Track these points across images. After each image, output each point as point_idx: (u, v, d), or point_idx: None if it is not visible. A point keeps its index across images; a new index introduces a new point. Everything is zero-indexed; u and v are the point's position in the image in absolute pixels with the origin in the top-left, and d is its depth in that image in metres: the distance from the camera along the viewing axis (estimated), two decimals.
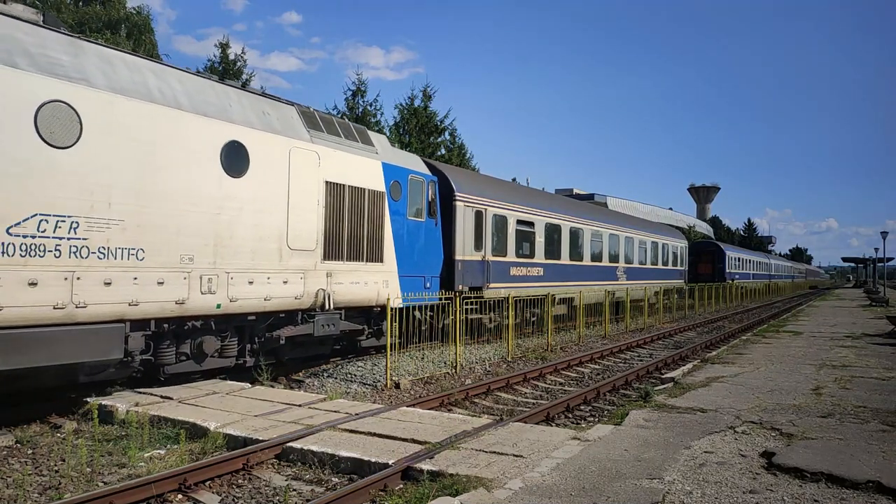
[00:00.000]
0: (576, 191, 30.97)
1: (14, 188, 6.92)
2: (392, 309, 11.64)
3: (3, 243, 6.82)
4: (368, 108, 28.83)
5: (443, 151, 30.72)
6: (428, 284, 13.78)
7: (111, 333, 7.81)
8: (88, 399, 7.92)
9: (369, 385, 10.68)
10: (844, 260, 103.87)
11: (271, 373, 10.22)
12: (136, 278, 8.04)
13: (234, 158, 9.39)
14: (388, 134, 26.17)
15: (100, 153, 7.72)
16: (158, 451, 6.52)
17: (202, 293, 8.86)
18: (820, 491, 5.05)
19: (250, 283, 9.59)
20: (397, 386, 10.70)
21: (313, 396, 8.87)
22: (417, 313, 13.36)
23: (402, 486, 5.48)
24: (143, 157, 8.21)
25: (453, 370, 12.28)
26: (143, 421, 7.01)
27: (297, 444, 6.35)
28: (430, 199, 13.91)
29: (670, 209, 60.14)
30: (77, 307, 7.42)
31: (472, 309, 15.09)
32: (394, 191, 12.69)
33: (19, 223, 6.98)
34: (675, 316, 28.24)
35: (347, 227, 11.47)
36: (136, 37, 25.66)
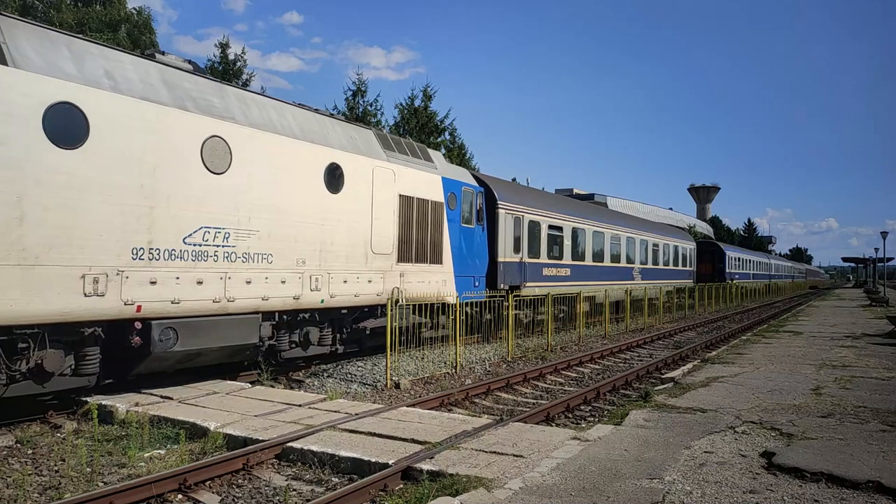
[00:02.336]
0: (576, 191, 30.96)
1: (188, 207, 8.70)
2: (450, 305, 13.50)
3: (181, 251, 8.58)
4: (369, 108, 28.84)
5: (443, 151, 30.73)
6: (476, 283, 15.57)
7: (251, 322, 9.61)
8: (88, 399, 7.93)
9: (369, 385, 10.68)
10: (844, 260, 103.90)
11: (271, 373, 10.23)
12: (267, 278, 9.81)
13: (334, 178, 11.18)
14: (388, 133, 26.17)
15: (244, 177, 9.52)
16: (158, 451, 6.52)
17: (311, 290, 10.61)
18: (820, 491, 5.05)
19: (345, 281, 11.35)
20: (397, 386, 10.70)
21: (313, 396, 8.87)
22: (468, 309, 15.00)
23: (402, 486, 5.48)
24: (273, 179, 9.99)
25: (453, 370, 12.28)
26: (143, 421, 7.01)
27: (297, 444, 6.35)
28: (478, 207, 15.78)
29: (670, 209, 60.13)
30: (228, 301, 9.20)
31: (510, 305, 16.36)
32: (450, 201, 14.54)
33: (191, 234, 8.75)
34: (675, 316, 28.25)
35: (415, 233, 13.27)
36: (135, 37, 25.64)
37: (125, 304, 7.95)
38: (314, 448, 6.21)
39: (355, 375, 11.20)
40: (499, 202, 16.98)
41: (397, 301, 12.17)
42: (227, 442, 6.64)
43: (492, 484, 5.07)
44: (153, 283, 8.25)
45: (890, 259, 63.75)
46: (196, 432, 6.94)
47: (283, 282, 10.08)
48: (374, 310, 12.16)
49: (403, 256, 12.89)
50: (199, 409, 7.81)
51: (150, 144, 8.29)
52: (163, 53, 9.47)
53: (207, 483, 5.71)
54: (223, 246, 9.15)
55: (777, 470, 5.50)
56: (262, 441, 6.44)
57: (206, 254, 8.91)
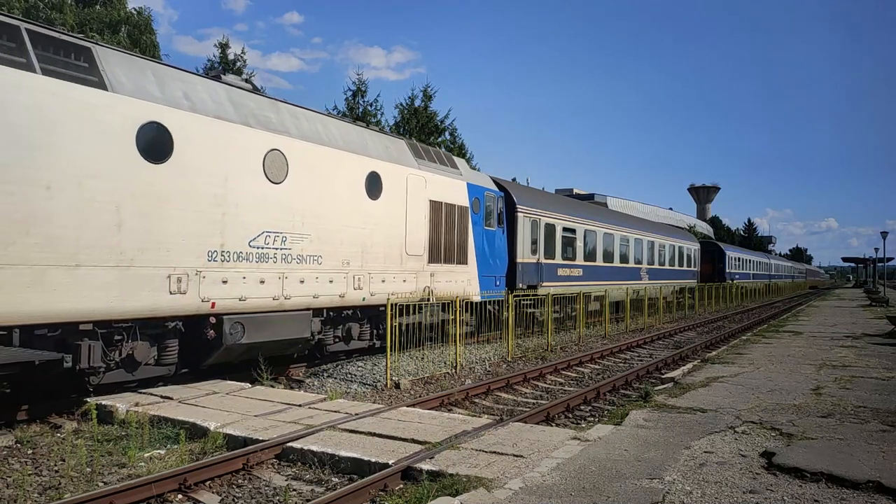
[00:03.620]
0: (576, 191, 30.94)
1: (253, 213, 9.65)
2: (473, 302, 14.51)
3: (247, 253, 9.52)
4: (369, 108, 28.84)
5: (443, 151, 30.71)
6: (497, 283, 16.45)
7: (303, 318, 10.50)
8: (88, 399, 7.93)
9: (369, 385, 10.68)
10: (844, 260, 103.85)
11: (271, 373, 10.24)
12: (317, 277, 10.73)
13: (373, 185, 12.09)
14: (388, 133, 26.17)
15: (297, 185, 10.42)
16: (158, 451, 6.52)
17: (354, 289, 11.56)
18: (820, 491, 5.05)
19: (383, 281, 12.27)
20: (397, 386, 10.70)
21: (313, 396, 8.87)
22: (490, 306, 15.91)
23: (402, 486, 5.48)
24: (321, 187, 10.89)
25: (453, 370, 12.28)
26: (143, 421, 7.00)
27: (297, 444, 6.35)
28: (499, 211, 16.72)
29: (670, 209, 60.15)
30: (285, 299, 10.11)
31: (527, 304, 17.18)
32: (475, 205, 15.47)
33: (255, 238, 9.67)
34: (675, 316, 28.24)
35: (444, 235, 14.23)
36: (136, 37, 25.63)
37: (202, 301, 8.90)
38: (314, 448, 6.21)
39: (355, 375, 11.20)
40: (517, 206, 17.80)
41: (427, 299, 13.19)
42: (227, 442, 6.64)
43: (492, 484, 5.07)
44: (224, 282, 9.20)
45: (890, 259, 63.72)
46: (196, 432, 6.93)
47: (331, 281, 11.06)
48: (408, 307, 12.73)
49: (433, 257, 13.85)
50: (199, 409, 7.80)
51: (221, 158, 9.23)
52: (224, 73, 10.50)
53: (207, 483, 5.70)
54: (281, 248, 10.10)
55: (777, 470, 5.50)
56: (262, 441, 6.43)
57: (267, 256, 9.86)
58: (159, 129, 8.40)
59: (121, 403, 7.83)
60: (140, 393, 8.63)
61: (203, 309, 8.92)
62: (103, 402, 7.79)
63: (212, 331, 9.10)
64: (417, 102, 30.35)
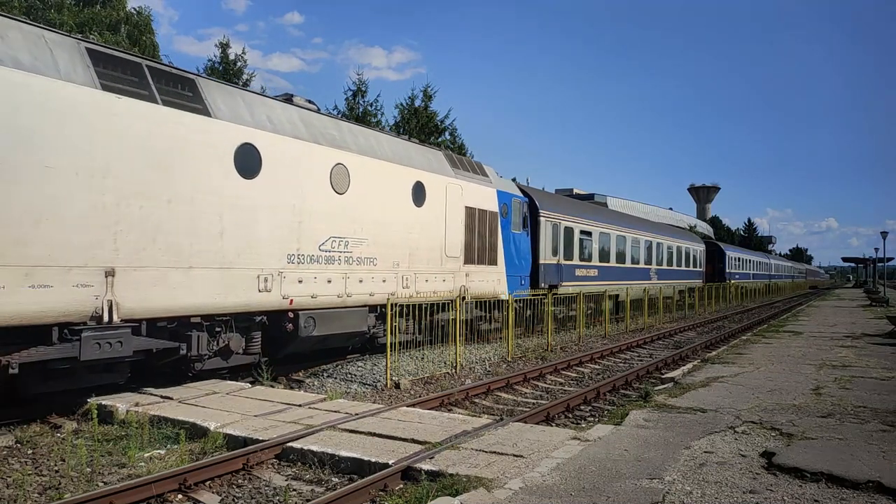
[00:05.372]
0: (576, 191, 30.98)
1: (322, 221, 10.83)
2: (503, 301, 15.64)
3: (317, 256, 10.72)
4: (369, 108, 28.84)
5: (443, 151, 30.71)
6: (522, 282, 17.64)
7: (362, 314, 11.68)
8: (88, 399, 7.93)
9: (369, 385, 10.68)
10: (844, 260, 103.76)
11: (271, 373, 10.25)
12: (373, 277, 11.93)
13: (418, 193, 13.28)
14: (388, 133, 26.21)
15: (357, 195, 11.59)
16: (158, 451, 6.52)
17: (402, 288, 12.73)
18: (820, 491, 5.05)
19: (426, 280, 13.48)
20: (397, 386, 10.70)
21: (313, 396, 8.87)
22: (516, 304, 16.55)
23: (402, 486, 5.48)
24: (376, 196, 12.07)
25: (453, 370, 12.28)
26: (143, 421, 7.00)
27: (297, 444, 6.35)
28: (524, 215, 17.93)
29: (670, 209, 60.16)
30: (348, 296, 11.32)
31: (548, 303, 18.02)
32: (503, 210, 16.65)
33: (324, 242, 10.86)
34: (675, 316, 28.24)
35: (477, 238, 15.41)
36: (136, 38, 25.61)
37: (283, 298, 10.08)
38: (314, 448, 6.21)
39: (355, 375, 11.20)
40: (540, 211, 19.14)
41: (463, 297, 14.33)
42: (227, 442, 6.64)
43: (492, 484, 5.06)
44: (300, 281, 10.37)
45: (890, 259, 63.69)
46: (196, 432, 6.93)
47: (384, 280, 12.23)
48: (446, 305, 13.82)
49: (468, 259, 15.07)
50: (199, 409, 7.80)
51: (298, 172, 10.40)
52: (292, 95, 11.61)
53: (207, 483, 5.70)
54: (344, 252, 11.30)
55: (777, 470, 5.50)
56: (262, 441, 6.43)
57: (333, 258, 11.06)
58: (251, 149, 9.61)
59: (121, 403, 7.83)
60: (140, 393, 8.63)
61: (283, 305, 10.11)
62: (103, 402, 7.78)
63: (290, 324, 10.26)
64: (417, 102, 30.35)
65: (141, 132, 8.11)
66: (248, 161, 9.53)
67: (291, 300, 10.20)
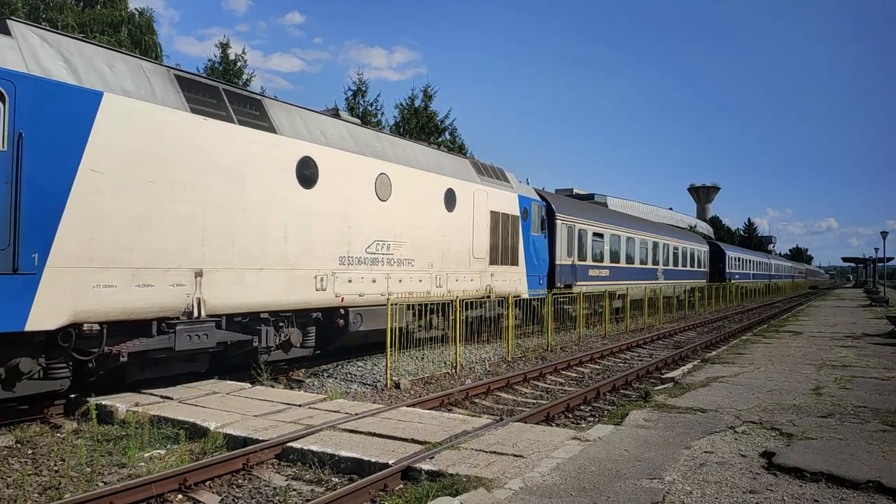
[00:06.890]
0: (576, 191, 30.92)
1: (368, 225, 11.81)
2: (521, 298, 16.65)
3: (363, 257, 11.68)
4: (369, 108, 28.83)
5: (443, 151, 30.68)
6: (540, 282, 18.63)
7: (401, 311, 12.17)
8: (88, 399, 7.93)
9: (369, 385, 10.68)
10: (844, 260, 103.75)
11: (271, 373, 10.24)
12: (410, 277, 12.96)
13: (449, 199, 14.30)
14: (388, 133, 26.23)
15: (398, 202, 12.55)
16: (158, 451, 6.52)
17: (436, 287, 13.82)
18: (820, 491, 5.05)
19: (456, 280, 14.51)
20: (397, 386, 10.69)
21: (313, 396, 8.87)
22: (535, 302, 17.82)
23: (402, 486, 5.48)
24: (414, 202, 13.08)
25: (453, 370, 12.28)
26: (143, 421, 7.00)
27: (297, 444, 6.35)
28: (542, 218, 18.93)
29: (670, 209, 60.15)
30: (389, 295, 12.09)
31: (563, 301, 19.48)
32: (524, 214, 17.64)
33: (369, 245, 11.83)
34: (675, 316, 28.24)
35: (501, 240, 16.40)
36: (137, 38, 25.57)
37: (335, 296, 11.08)
38: (314, 448, 6.21)
39: (355, 375, 11.20)
40: (556, 214, 20.20)
41: (488, 296, 15.53)
42: (227, 442, 6.64)
43: (492, 484, 5.06)
44: (349, 281, 11.38)
45: (890, 259, 63.64)
46: (196, 432, 6.93)
47: (420, 280, 13.25)
48: (472, 303, 14.67)
49: (493, 260, 16.06)
50: (199, 409, 7.80)
51: (348, 182, 11.35)
52: (339, 110, 12.74)
53: (207, 483, 5.70)
54: (386, 254, 12.23)
55: (777, 470, 5.50)
56: (262, 441, 6.43)
57: (377, 260, 12.00)
58: (310, 162, 10.55)
59: (121, 403, 7.83)
60: (140, 393, 8.63)
61: (335, 302, 11.10)
62: (103, 402, 7.79)
63: (341, 320, 11.24)
64: (418, 102, 30.34)
65: (221, 149, 9.06)
66: (307, 173, 10.47)
67: (342, 298, 11.19)
